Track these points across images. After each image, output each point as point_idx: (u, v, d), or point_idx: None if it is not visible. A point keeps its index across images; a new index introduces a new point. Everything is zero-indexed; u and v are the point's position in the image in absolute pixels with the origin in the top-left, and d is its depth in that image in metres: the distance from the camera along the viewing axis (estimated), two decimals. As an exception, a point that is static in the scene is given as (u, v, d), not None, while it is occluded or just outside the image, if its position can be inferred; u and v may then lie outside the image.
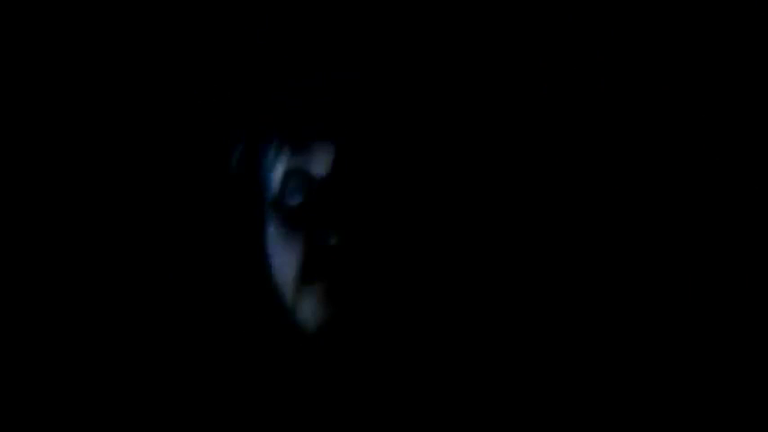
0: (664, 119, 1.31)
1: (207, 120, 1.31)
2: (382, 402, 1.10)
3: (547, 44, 1.30)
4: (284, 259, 1.08)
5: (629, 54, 1.32)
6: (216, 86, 1.32)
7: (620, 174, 1.30)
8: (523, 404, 1.13)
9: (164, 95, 1.34)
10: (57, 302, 1.30)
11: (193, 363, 1.18)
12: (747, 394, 1.23)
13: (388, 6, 1.27)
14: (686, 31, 1.32)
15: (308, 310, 1.07)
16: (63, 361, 1.28)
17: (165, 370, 1.19)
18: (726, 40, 1.32)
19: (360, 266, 1.06)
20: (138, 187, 1.33)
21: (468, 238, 1.16)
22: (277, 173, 1.11)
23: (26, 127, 1.34)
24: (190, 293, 1.22)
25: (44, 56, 1.34)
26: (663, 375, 1.24)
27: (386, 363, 1.10)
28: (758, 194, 1.29)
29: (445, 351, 1.12)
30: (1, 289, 1.31)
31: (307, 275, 1.06)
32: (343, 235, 1.05)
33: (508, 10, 1.29)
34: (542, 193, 1.27)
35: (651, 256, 1.29)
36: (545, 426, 1.14)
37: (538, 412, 1.14)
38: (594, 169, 1.29)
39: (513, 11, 1.29)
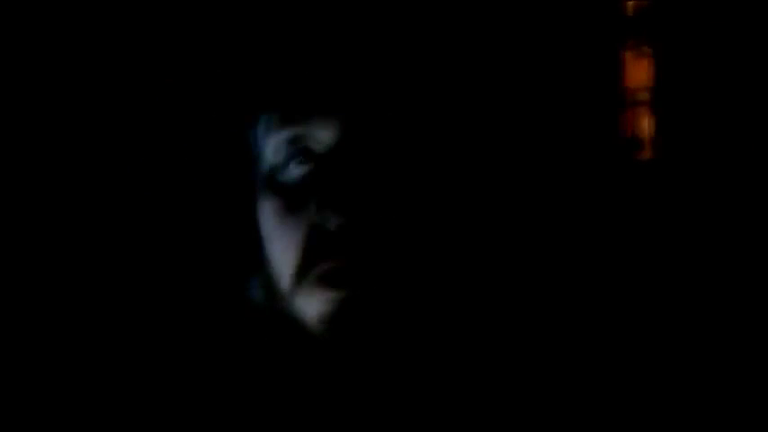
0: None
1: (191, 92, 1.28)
2: (385, 397, 1.02)
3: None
4: (282, 244, 1.01)
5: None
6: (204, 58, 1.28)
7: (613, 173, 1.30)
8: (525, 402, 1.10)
9: (145, 72, 1.31)
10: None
11: (187, 355, 1.15)
12: (747, 394, 1.23)
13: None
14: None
15: (308, 298, 0.99)
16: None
17: (156, 361, 1.16)
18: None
19: (363, 252, 0.98)
20: (119, 165, 1.30)
21: (474, 226, 1.11)
22: (271, 144, 1.03)
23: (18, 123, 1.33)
24: (181, 280, 1.19)
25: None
26: (663, 375, 1.24)
27: (391, 357, 1.03)
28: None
29: (451, 346, 1.06)
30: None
31: (307, 261, 0.99)
32: (346, 217, 0.97)
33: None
34: (545, 188, 1.26)
35: (651, 257, 1.29)
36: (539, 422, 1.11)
37: (533, 408, 1.11)
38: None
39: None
